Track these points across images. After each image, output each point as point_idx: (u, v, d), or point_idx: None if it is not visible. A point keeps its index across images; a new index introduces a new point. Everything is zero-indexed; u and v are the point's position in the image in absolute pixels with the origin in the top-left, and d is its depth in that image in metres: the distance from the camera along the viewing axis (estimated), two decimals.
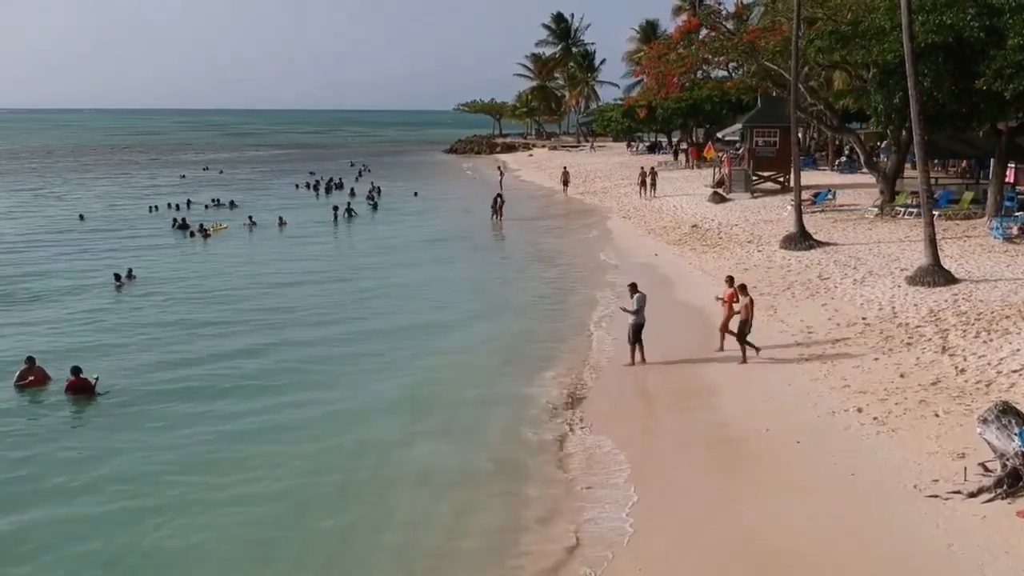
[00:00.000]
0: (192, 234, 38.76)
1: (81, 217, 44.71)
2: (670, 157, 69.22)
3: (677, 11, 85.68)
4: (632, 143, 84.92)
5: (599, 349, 19.92)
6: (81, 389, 17.01)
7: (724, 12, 38.81)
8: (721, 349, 18.52)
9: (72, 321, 23.58)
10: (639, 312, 18.28)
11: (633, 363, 18.34)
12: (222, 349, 20.62)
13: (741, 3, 68.26)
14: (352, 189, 57.91)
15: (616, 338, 19.78)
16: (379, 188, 56.57)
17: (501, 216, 42.97)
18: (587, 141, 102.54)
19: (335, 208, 45.73)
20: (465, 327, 22.63)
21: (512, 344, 20.83)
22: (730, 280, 19.17)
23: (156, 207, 48.44)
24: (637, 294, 18.47)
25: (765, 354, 18.30)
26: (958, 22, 25.70)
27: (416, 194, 56.30)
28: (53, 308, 25.09)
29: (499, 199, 44.23)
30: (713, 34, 36.51)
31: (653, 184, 46.84)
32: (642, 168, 50.08)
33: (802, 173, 31.39)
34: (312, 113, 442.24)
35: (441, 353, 20.15)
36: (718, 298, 18.87)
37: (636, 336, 18.33)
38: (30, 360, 17.86)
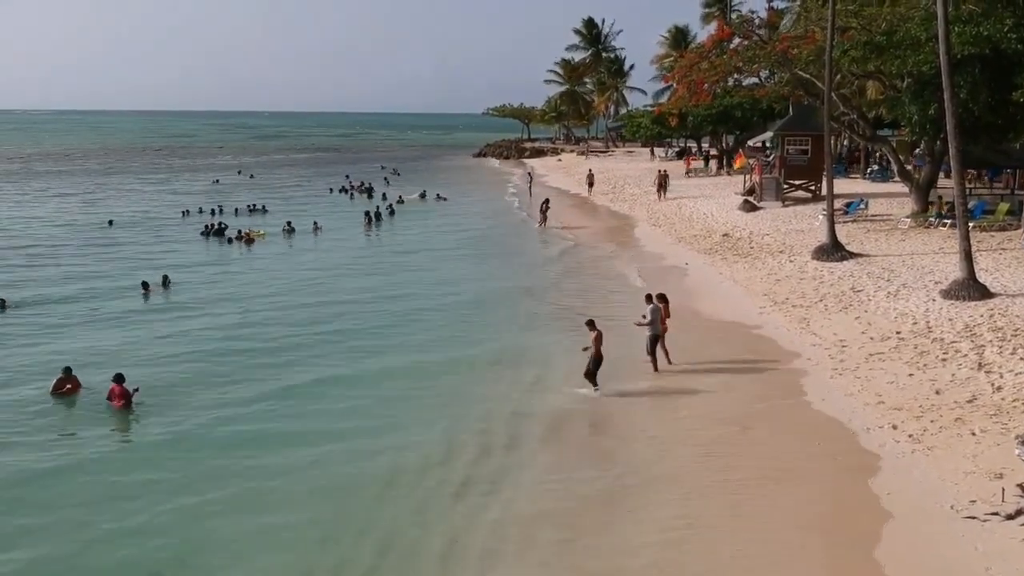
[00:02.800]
0: (230, 240, 39.15)
1: (110, 223, 44.53)
2: (700, 163, 69.16)
3: (706, 18, 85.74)
4: (655, 148, 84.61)
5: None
6: (121, 397, 17.16)
7: (757, 21, 38.66)
8: (669, 362, 18.80)
9: (106, 329, 23.83)
10: (653, 323, 18.48)
11: (656, 370, 18.57)
12: (259, 359, 20.81)
13: (773, 10, 68.24)
14: (384, 194, 58.55)
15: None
16: (401, 197, 56.65)
17: (545, 222, 42.91)
18: (616, 146, 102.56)
19: (367, 213, 46.43)
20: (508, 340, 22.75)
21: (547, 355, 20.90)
22: (661, 297, 19.24)
23: (188, 211, 48.82)
24: (651, 305, 18.71)
25: (799, 367, 18.34)
26: (995, 33, 25.56)
27: (444, 199, 57.02)
28: (86, 316, 25.29)
29: (544, 205, 44.22)
30: (746, 43, 36.39)
31: (665, 187, 49.56)
32: (659, 171, 52.76)
33: (834, 181, 31.18)
34: (340, 115, 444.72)
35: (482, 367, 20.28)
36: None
37: (653, 346, 18.58)
38: (67, 370, 18.04)
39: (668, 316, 18.99)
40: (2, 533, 12.47)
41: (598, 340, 17.31)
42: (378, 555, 11.74)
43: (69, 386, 17.89)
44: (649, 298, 19.05)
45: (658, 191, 49.68)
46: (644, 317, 18.64)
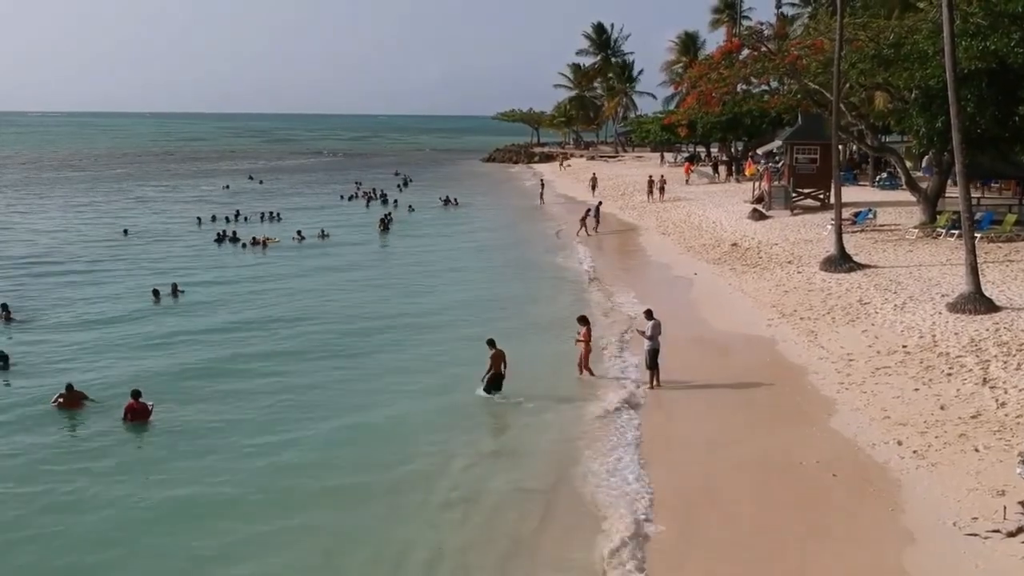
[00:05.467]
0: (244, 246, 39.62)
1: (125, 232, 44.45)
2: (708, 169, 69.33)
3: (715, 23, 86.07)
4: (664, 154, 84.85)
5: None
6: (139, 413, 17.39)
7: (766, 31, 38.91)
8: (580, 374, 19.69)
9: (115, 340, 24.09)
10: (654, 338, 18.96)
11: (652, 387, 18.95)
12: (271, 368, 21.28)
13: (782, 16, 68.41)
14: (395, 201, 59.03)
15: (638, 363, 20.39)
16: (411, 206, 56.91)
17: (587, 228, 43.28)
18: (625, 151, 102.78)
19: (382, 219, 47.04)
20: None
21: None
22: (582, 320, 20.00)
23: (201, 219, 49.23)
24: (652, 321, 19.16)
25: (807, 382, 18.62)
26: (1002, 47, 25.77)
27: (454, 201, 58.15)
28: (96, 327, 25.55)
29: (588, 212, 44.40)
30: (755, 54, 36.67)
31: (662, 190, 54.06)
32: (650, 176, 56.86)
33: (842, 189, 31.38)
34: (349, 118, 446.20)
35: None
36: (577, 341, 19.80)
37: (652, 360, 19.00)
38: (68, 387, 18.16)
39: (589, 339, 19.66)
40: (13, 543, 12.84)
41: (496, 359, 18.36)
42: (371, 563, 12.31)
43: (61, 400, 17.97)
44: (649, 314, 19.44)
45: (648, 195, 53.99)
46: (648, 330, 19.03)
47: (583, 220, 43.86)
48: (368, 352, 22.93)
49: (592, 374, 19.73)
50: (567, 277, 33.44)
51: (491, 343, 18.66)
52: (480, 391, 18.45)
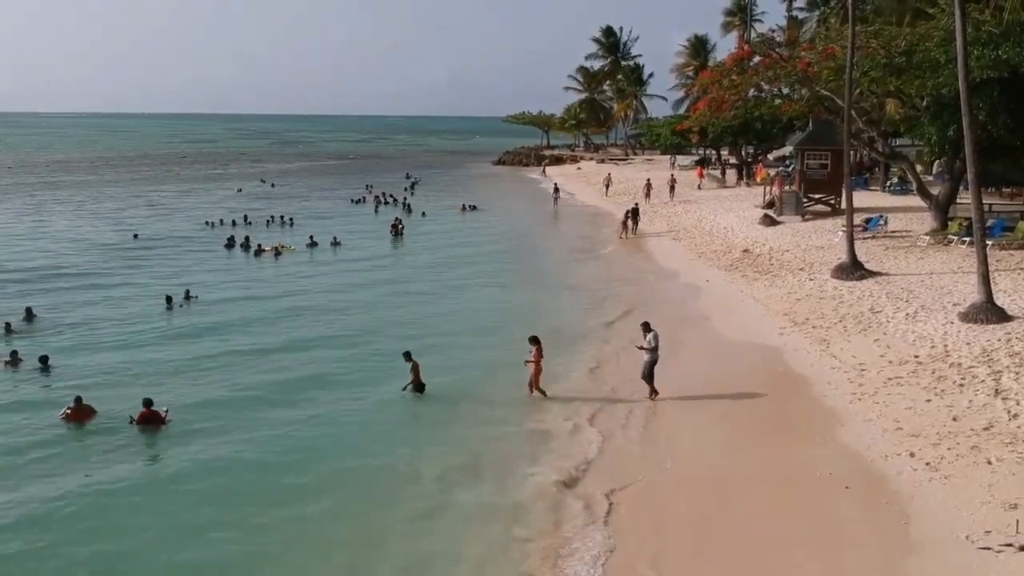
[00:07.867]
0: (257, 253, 39.76)
1: (135, 237, 44.33)
2: (717, 173, 69.42)
3: (726, 26, 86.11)
4: (675, 157, 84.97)
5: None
6: (151, 420, 17.50)
7: (778, 38, 38.99)
8: (531, 393, 19.53)
9: (134, 344, 24.38)
10: (654, 350, 19.01)
11: (651, 398, 19.02)
12: (283, 375, 21.48)
13: (793, 19, 68.44)
14: (409, 205, 59.06)
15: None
16: (424, 212, 56.94)
17: (627, 229, 43.61)
18: (635, 153, 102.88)
19: (394, 224, 47.07)
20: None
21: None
22: (533, 339, 19.61)
23: (210, 222, 49.37)
24: (651, 333, 19.18)
25: (818, 392, 18.71)
26: (1014, 56, 25.83)
27: (471, 207, 58.09)
28: (116, 331, 25.84)
29: (628, 213, 44.60)
30: (767, 61, 36.77)
31: (672, 190, 56.63)
32: (647, 180, 59.54)
33: (853, 194, 31.39)
34: (358, 119, 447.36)
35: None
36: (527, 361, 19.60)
37: (650, 372, 19.07)
38: (77, 400, 18.09)
39: (541, 357, 19.42)
40: (26, 555, 13.08)
41: (415, 370, 19.61)
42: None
43: (68, 412, 17.85)
44: (647, 326, 19.44)
45: (645, 198, 55.15)
46: (648, 343, 19.03)
47: (624, 222, 44.08)
48: (369, 358, 22.99)
49: (539, 394, 19.43)
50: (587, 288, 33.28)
51: (407, 355, 19.79)
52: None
